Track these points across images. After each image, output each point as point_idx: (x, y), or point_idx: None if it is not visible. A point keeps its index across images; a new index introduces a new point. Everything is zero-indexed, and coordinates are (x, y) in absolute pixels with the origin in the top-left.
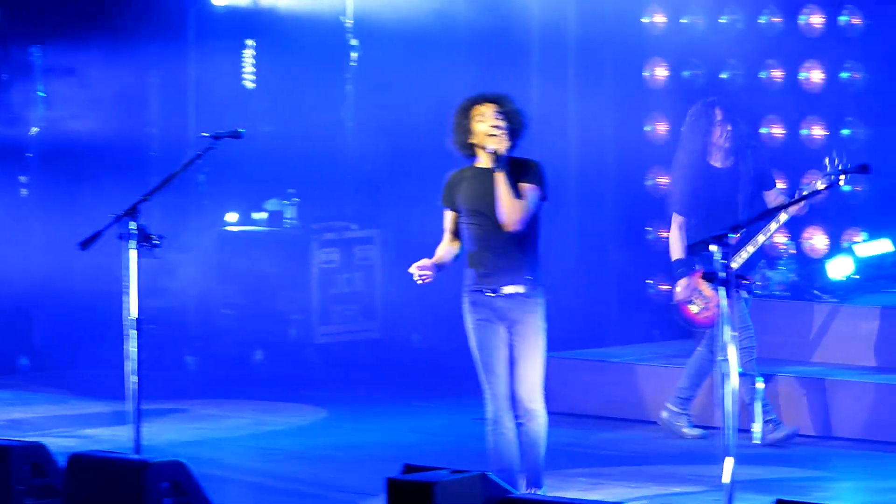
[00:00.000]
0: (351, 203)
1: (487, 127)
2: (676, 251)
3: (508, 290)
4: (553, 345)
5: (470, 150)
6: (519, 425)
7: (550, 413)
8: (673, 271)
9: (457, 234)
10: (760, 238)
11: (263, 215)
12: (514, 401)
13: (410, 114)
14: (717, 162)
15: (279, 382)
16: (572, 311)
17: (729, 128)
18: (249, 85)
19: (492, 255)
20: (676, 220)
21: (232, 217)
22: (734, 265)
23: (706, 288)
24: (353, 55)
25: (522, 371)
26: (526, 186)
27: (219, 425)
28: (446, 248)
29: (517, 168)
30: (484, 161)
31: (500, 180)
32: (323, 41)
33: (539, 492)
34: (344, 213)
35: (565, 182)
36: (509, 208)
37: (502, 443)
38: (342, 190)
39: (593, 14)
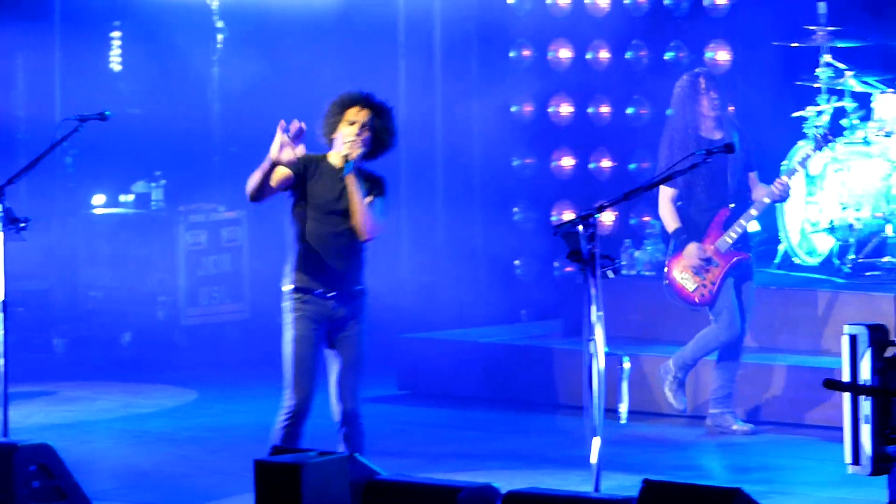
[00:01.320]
0: (218, 185)
1: (350, 133)
2: (671, 222)
3: (342, 294)
4: (420, 326)
5: (330, 143)
6: (341, 432)
7: (418, 394)
8: (675, 242)
9: (273, 187)
10: (753, 212)
11: (130, 197)
12: (338, 406)
13: (276, 96)
14: (708, 133)
15: (147, 364)
16: (439, 291)
17: (714, 96)
18: (116, 67)
19: (334, 257)
20: (665, 193)
21: (99, 199)
22: (726, 243)
23: (715, 255)
24: (219, 37)
25: (347, 378)
26: (378, 200)
27: (87, 408)
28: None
29: (368, 179)
30: (337, 159)
31: (353, 189)
32: (189, 24)
33: None
34: (211, 195)
35: (432, 163)
36: (365, 219)
37: (291, 440)
38: (209, 172)
39: None
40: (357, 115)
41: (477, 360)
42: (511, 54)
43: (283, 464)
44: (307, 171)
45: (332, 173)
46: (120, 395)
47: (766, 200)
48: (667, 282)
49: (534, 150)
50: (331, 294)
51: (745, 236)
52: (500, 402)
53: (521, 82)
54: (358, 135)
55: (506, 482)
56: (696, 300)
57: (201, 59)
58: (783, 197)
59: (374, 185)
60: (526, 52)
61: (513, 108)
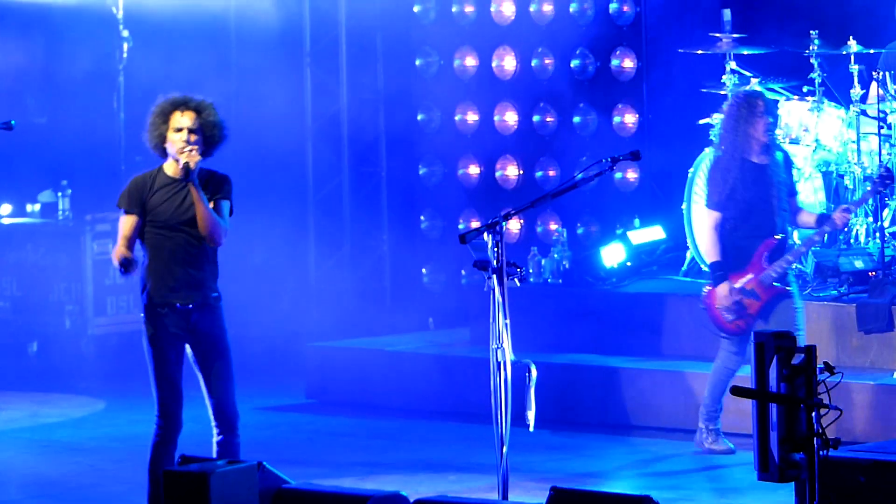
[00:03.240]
0: None
1: (180, 140)
2: (713, 253)
3: (200, 303)
4: (328, 334)
5: (162, 152)
6: (221, 439)
7: (326, 402)
8: (711, 275)
9: (133, 241)
10: (803, 248)
11: (37, 207)
12: (216, 416)
13: None
14: (754, 157)
15: (55, 374)
16: (346, 300)
17: (770, 119)
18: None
19: (187, 268)
20: (712, 217)
21: (5, 209)
22: (770, 277)
23: (747, 298)
24: (125, 46)
25: (222, 386)
26: (222, 202)
27: None
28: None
29: (210, 181)
30: (173, 169)
31: (196, 198)
32: (94, 33)
33: None
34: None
35: (339, 171)
36: (211, 226)
37: (164, 456)
38: (115, 181)
39: (364, 4)
40: (181, 119)
41: (385, 368)
42: (417, 62)
43: (190, 473)
44: (143, 196)
45: (171, 186)
46: (27, 404)
47: (816, 239)
48: (703, 307)
49: (440, 159)
50: (188, 306)
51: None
52: (407, 411)
53: (427, 91)
54: (188, 141)
55: (414, 490)
56: (733, 330)
57: (107, 67)
58: (841, 229)
59: (217, 186)
60: (432, 61)
61: (419, 117)
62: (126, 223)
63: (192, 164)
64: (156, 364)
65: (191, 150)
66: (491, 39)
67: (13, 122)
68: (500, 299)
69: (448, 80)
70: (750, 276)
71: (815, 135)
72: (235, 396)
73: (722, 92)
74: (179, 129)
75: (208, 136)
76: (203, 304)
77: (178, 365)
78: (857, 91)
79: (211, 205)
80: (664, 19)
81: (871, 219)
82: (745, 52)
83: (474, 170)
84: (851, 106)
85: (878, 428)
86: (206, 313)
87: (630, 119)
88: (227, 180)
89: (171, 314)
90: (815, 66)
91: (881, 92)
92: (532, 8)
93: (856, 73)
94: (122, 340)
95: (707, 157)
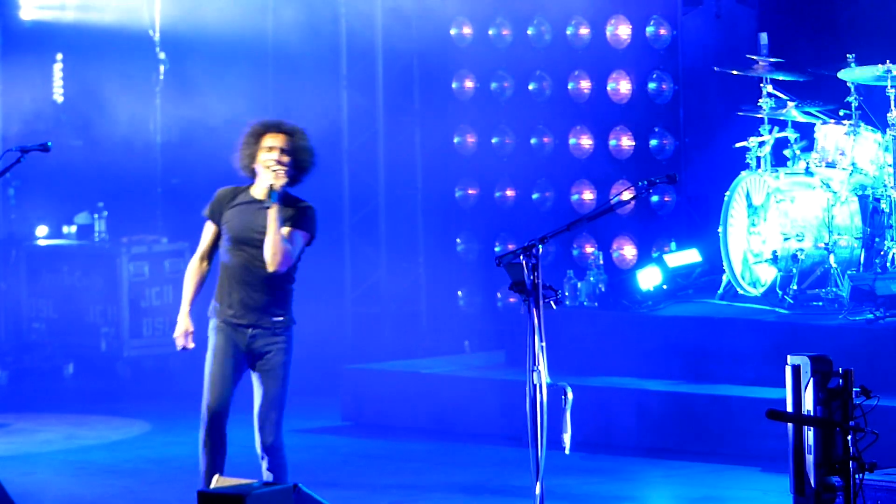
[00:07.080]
0: (160, 216)
1: (270, 160)
2: None
3: (258, 325)
4: (364, 357)
5: (251, 174)
6: (264, 464)
7: (362, 425)
8: None
9: (211, 251)
10: None
11: (73, 229)
12: (259, 437)
13: (219, 126)
14: None
15: (90, 396)
16: (382, 322)
17: None
18: (58, 98)
19: (246, 288)
20: None
21: (42, 231)
22: None
23: None
24: (161, 69)
25: (267, 412)
26: (295, 231)
27: (30, 439)
28: (199, 274)
29: (290, 208)
30: (259, 190)
31: (272, 218)
32: (131, 55)
33: None
34: (153, 227)
35: (375, 194)
36: (275, 250)
37: (212, 463)
38: (151, 203)
39: (401, 27)
40: (274, 140)
41: (420, 391)
42: (453, 86)
43: (226, 495)
44: (224, 207)
45: (250, 205)
46: (63, 426)
47: None
48: None
49: (476, 181)
50: (245, 325)
51: None
52: (443, 433)
53: (464, 114)
54: (278, 161)
55: None
56: None
57: (143, 89)
58: None
59: (298, 215)
60: (468, 84)
61: (455, 140)
62: (206, 232)
63: (276, 186)
64: (211, 357)
65: (278, 171)
66: (527, 63)
67: (50, 143)
68: (537, 322)
69: (484, 103)
70: None
71: (852, 158)
72: (281, 423)
73: (759, 115)
74: (272, 148)
75: (298, 160)
76: (262, 326)
77: (232, 360)
78: (893, 115)
79: (286, 229)
80: (701, 43)
81: None
82: (782, 79)
83: (511, 192)
84: (888, 130)
85: None
86: (265, 335)
87: (666, 142)
88: (310, 212)
89: (230, 329)
90: (852, 89)
91: None
92: (569, 31)
93: (892, 97)
94: (158, 362)
95: (743, 179)
